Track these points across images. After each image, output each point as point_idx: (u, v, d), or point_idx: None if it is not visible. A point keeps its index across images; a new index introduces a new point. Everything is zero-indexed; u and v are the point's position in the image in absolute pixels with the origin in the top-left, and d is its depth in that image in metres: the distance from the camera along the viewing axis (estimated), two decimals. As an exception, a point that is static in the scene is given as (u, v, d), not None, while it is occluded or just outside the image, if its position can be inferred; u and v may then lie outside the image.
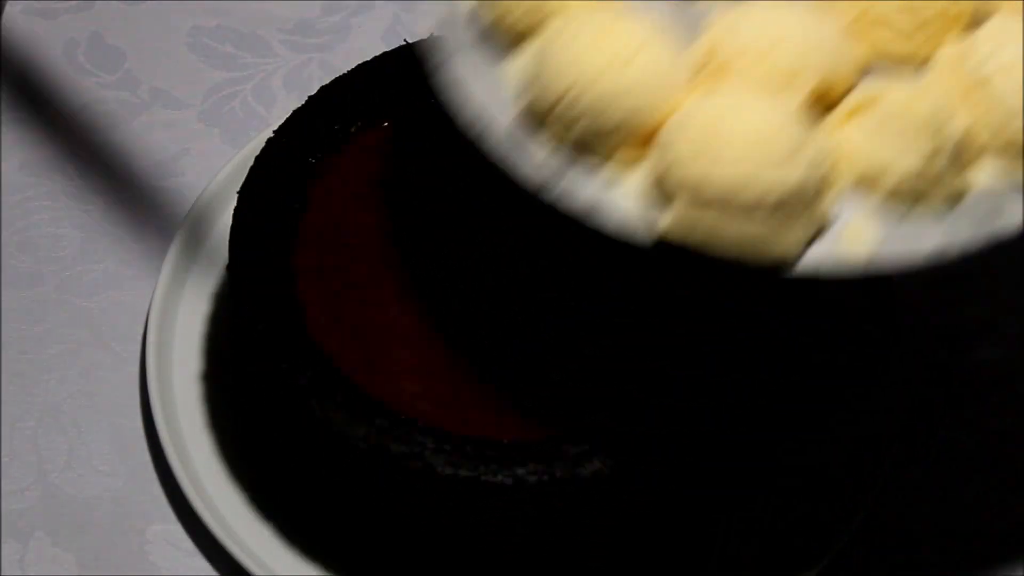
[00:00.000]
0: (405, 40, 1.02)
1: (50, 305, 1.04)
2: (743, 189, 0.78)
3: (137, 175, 1.09)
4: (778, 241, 0.79)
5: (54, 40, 1.15)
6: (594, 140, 0.81)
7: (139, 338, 1.02)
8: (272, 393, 0.90)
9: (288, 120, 0.98)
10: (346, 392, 0.88)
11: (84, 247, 1.06)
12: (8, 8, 1.16)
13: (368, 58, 1.01)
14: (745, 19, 0.82)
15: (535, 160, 0.82)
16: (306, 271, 0.93)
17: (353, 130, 0.98)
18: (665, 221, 0.80)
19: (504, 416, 0.89)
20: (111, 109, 1.12)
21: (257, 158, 0.96)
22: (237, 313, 0.91)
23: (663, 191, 0.80)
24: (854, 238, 0.80)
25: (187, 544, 0.95)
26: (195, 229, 1.03)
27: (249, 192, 0.95)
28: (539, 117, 0.82)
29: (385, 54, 1.01)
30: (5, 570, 0.94)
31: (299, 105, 0.98)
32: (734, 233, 0.78)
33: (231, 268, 0.93)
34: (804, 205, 0.79)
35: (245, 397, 0.95)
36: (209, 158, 1.10)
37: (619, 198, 0.81)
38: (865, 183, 0.80)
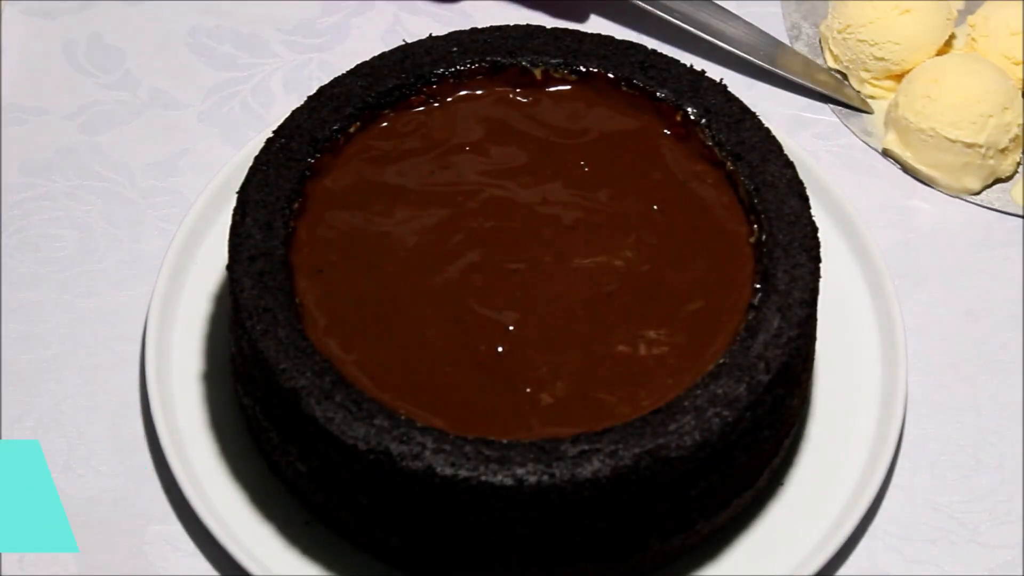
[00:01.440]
0: (404, 40, 1.02)
1: (50, 305, 1.04)
2: (943, 130, 1.07)
3: (137, 175, 1.09)
4: (963, 176, 1.08)
5: (54, 40, 1.15)
6: (858, 66, 1.12)
7: (139, 338, 1.02)
8: (272, 393, 0.90)
9: (288, 120, 0.98)
10: (346, 392, 0.88)
11: (84, 247, 1.06)
12: (8, 8, 1.17)
13: (368, 58, 1.01)
14: (998, 12, 1.12)
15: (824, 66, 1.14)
16: (305, 271, 0.93)
17: (353, 130, 0.98)
18: (890, 139, 1.10)
19: (504, 416, 0.89)
20: (111, 109, 1.12)
21: (257, 158, 0.96)
22: (237, 313, 0.91)
23: (894, 116, 1.09)
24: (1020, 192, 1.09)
25: (187, 544, 0.95)
26: (195, 229, 1.03)
27: (249, 192, 0.95)
28: (827, 37, 1.15)
29: (385, 54, 1.01)
30: (5, 570, 0.94)
31: (299, 105, 0.98)
32: (933, 160, 1.08)
33: (231, 268, 0.92)
34: (985, 157, 1.07)
35: (245, 397, 0.95)
36: (209, 158, 1.10)
37: (868, 113, 1.12)
38: None
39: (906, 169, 1.10)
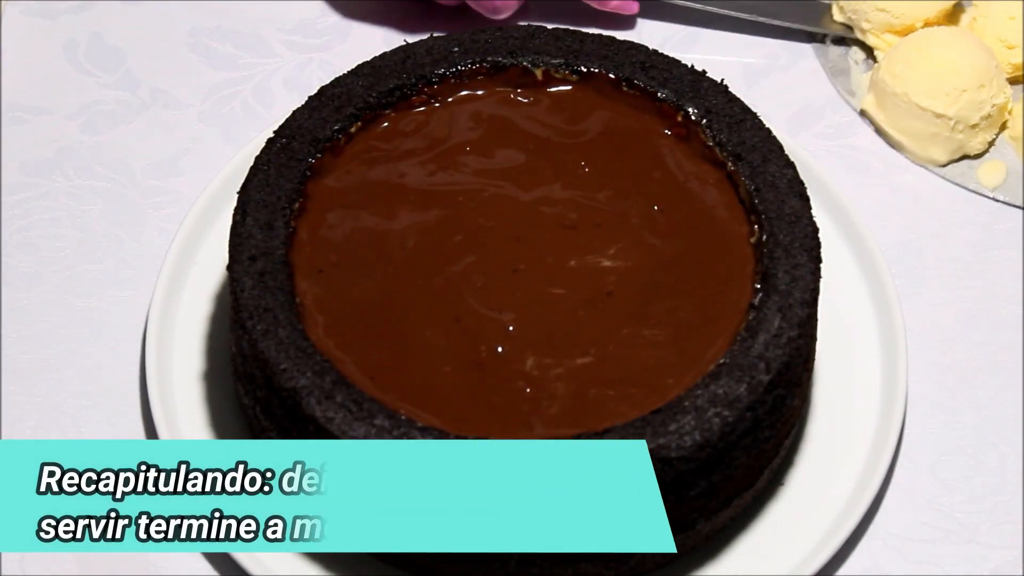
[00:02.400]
0: (405, 40, 1.02)
1: (50, 305, 1.04)
2: (916, 97, 1.08)
3: (137, 175, 1.09)
4: (930, 146, 1.10)
5: (54, 40, 1.15)
6: (860, 18, 1.14)
7: (139, 338, 1.02)
8: (273, 393, 0.90)
9: (289, 120, 0.98)
10: (346, 392, 0.88)
11: (84, 247, 1.06)
12: (8, 8, 1.17)
13: (368, 58, 1.01)
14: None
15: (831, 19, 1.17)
16: (305, 271, 0.93)
17: (354, 130, 0.98)
18: (868, 100, 1.12)
19: (504, 416, 0.89)
20: (111, 109, 1.12)
21: (257, 158, 0.96)
22: (237, 313, 0.91)
23: (875, 79, 1.12)
24: (990, 171, 1.10)
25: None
26: (196, 229, 1.03)
27: (249, 192, 0.95)
28: None
29: (386, 54, 1.01)
30: (5, 570, 0.94)
31: (300, 105, 0.98)
32: (903, 125, 1.10)
33: (232, 268, 0.93)
34: (953, 130, 1.08)
35: (245, 397, 0.95)
36: (209, 158, 1.10)
37: (856, 73, 1.14)
38: (1016, 140, 1.12)
39: (879, 132, 1.12)
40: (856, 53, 1.16)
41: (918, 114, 1.09)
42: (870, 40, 1.15)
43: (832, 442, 0.98)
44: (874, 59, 1.15)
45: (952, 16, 1.15)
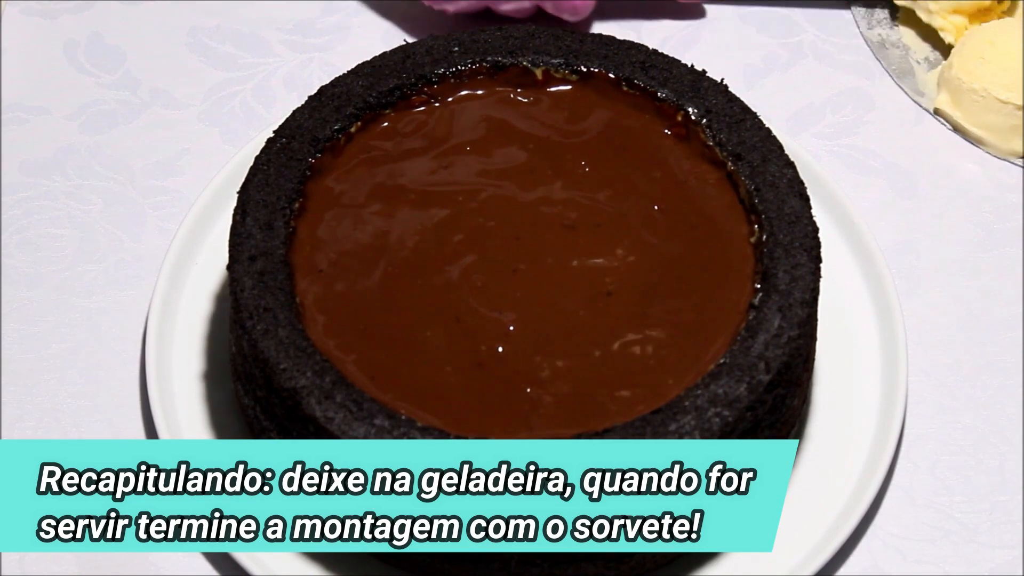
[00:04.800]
0: (405, 40, 1.02)
1: (50, 305, 1.04)
2: (995, 91, 1.09)
3: (137, 175, 1.09)
4: (1011, 138, 1.10)
5: (54, 40, 1.15)
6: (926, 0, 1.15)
7: (139, 338, 1.02)
8: (273, 393, 0.90)
9: (288, 120, 0.98)
10: (346, 392, 0.88)
11: (84, 247, 1.06)
12: (8, 8, 1.17)
13: (368, 58, 1.01)
14: None
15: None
16: (305, 271, 0.93)
17: (354, 130, 0.98)
18: (942, 99, 1.12)
19: (504, 416, 0.89)
20: (111, 109, 1.12)
21: (257, 158, 0.96)
22: (237, 313, 0.91)
23: (947, 77, 1.11)
24: None
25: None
26: (195, 229, 1.03)
27: (249, 192, 0.95)
28: None
29: (385, 54, 1.01)
30: (5, 570, 0.94)
31: (299, 105, 0.98)
32: (982, 120, 1.10)
33: (231, 268, 0.93)
34: None
35: (245, 397, 0.95)
36: (209, 158, 1.10)
37: (921, 72, 1.15)
38: None
39: (956, 129, 1.12)
40: (916, 52, 1.15)
41: (998, 108, 1.09)
42: (936, 22, 1.14)
43: (832, 442, 0.98)
44: (938, 41, 1.14)
45: (1010, 13, 1.15)
